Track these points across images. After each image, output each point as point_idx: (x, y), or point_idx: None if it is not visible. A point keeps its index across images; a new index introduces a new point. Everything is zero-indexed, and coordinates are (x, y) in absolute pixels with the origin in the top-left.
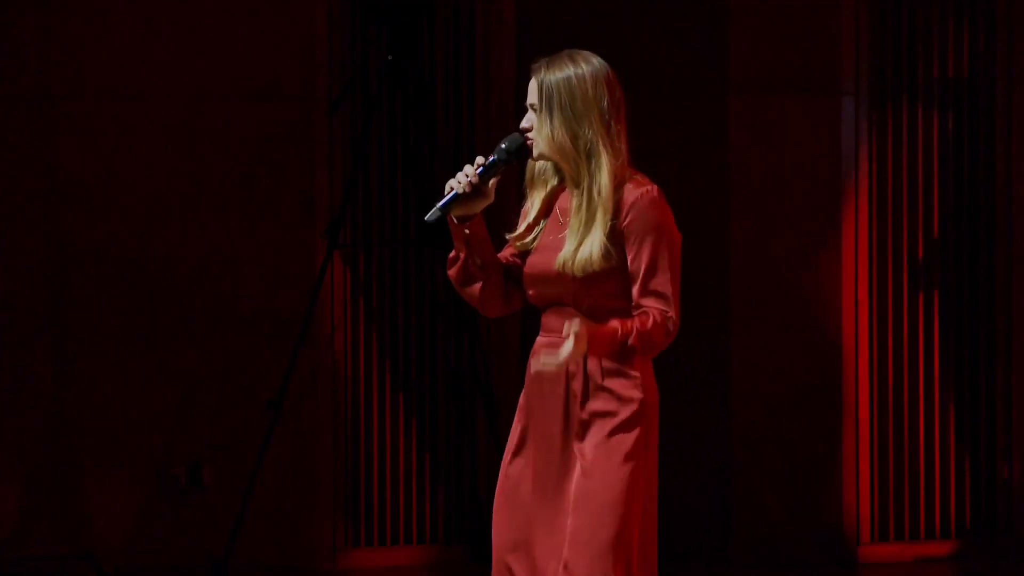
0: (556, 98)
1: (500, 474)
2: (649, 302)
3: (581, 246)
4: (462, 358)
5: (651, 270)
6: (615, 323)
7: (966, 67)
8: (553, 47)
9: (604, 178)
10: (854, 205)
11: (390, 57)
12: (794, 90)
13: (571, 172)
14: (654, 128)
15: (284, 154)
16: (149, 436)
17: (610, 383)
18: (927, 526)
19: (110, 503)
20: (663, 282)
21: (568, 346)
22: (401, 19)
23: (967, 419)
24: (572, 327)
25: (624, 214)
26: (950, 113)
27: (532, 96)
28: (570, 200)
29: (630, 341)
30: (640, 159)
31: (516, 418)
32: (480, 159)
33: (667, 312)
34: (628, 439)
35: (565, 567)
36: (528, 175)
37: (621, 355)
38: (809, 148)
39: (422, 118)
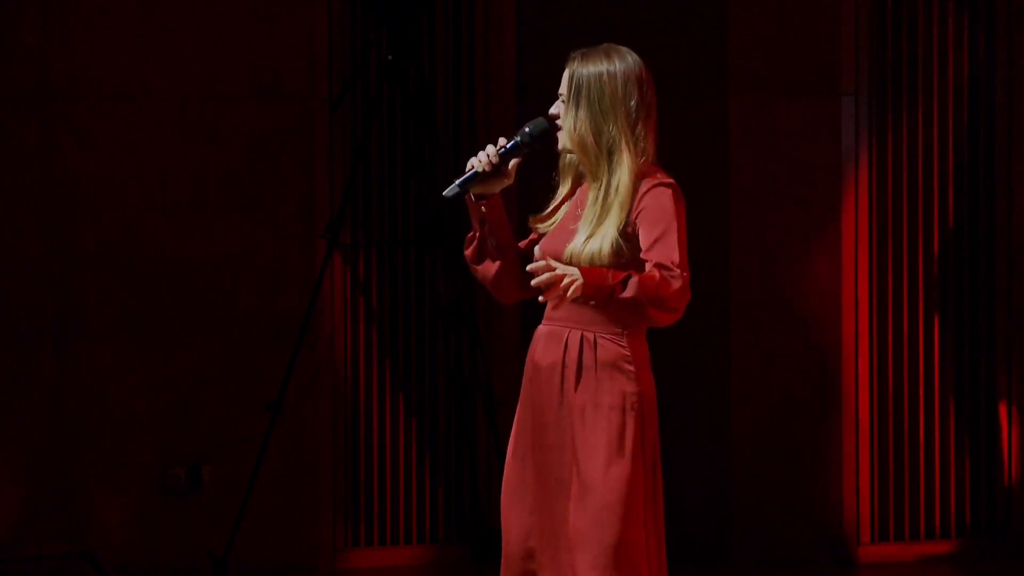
0: (584, 92)
1: (505, 466)
2: (653, 262)
3: (591, 239)
4: (462, 358)
5: (660, 245)
6: (608, 271)
7: (966, 67)
8: (553, 47)
9: (624, 176)
10: (854, 205)
11: (390, 57)
12: (794, 91)
13: (590, 167)
14: None
15: (284, 154)
16: (149, 436)
17: (605, 376)
18: (927, 526)
19: (110, 503)
20: (671, 254)
21: (565, 279)
22: (401, 19)
23: (967, 419)
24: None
25: (637, 202)
26: (950, 113)
27: (563, 85)
28: (587, 193)
29: (628, 289)
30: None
31: (518, 405)
32: (503, 140)
33: (672, 272)
34: (625, 437)
35: (572, 570)
36: (561, 163)
37: (613, 301)
38: (809, 148)
39: (422, 118)
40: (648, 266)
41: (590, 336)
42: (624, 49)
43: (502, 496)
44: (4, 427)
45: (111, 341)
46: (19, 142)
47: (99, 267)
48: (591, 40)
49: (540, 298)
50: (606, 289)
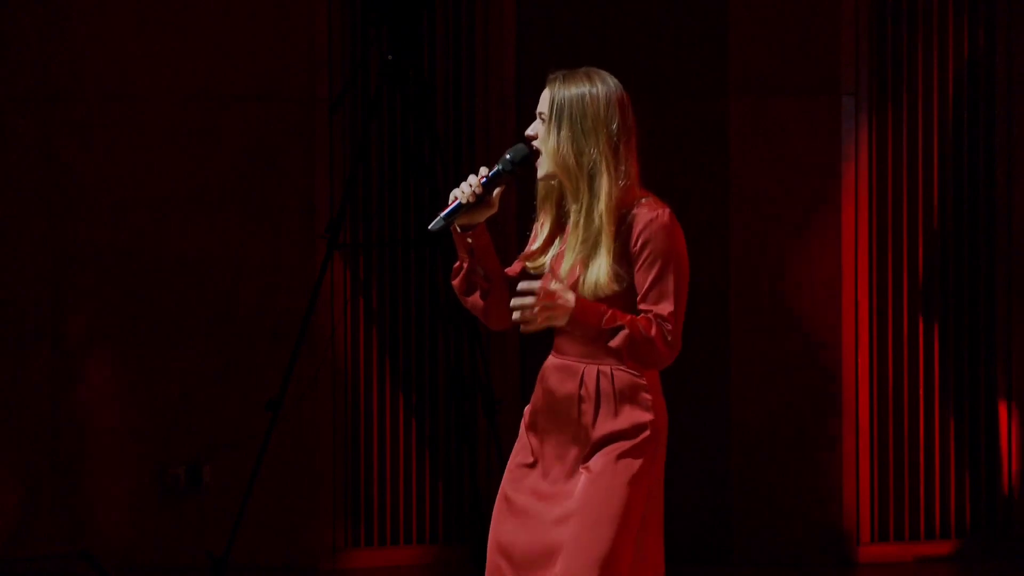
0: (567, 112)
1: (503, 480)
2: (651, 314)
3: (588, 270)
4: (462, 358)
5: (656, 292)
6: (607, 308)
7: (966, 67)
8: (553, 47)
9: (604, 200)
10: (854, 205)
11: (390, 57)
12: (794, 90)
13: (570, 188)
14: (654, 128)
15: (284, 154)
16: (149, 436)
17: (624, 408)
18: (927, 526)
19: (110, 503)
20: (667, 304)
21: (550, 301)
22: (401, 19)
23: (967, 419)
24: (562, 291)
25: (635, 237)
26: (950, 113)
27: (543, 105)
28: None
29: (616, 338)
30: (641, 160)
31: (522, 430)
32: (484, 169)
33: (666, 326)
34: (635, 460)
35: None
36: (540, 193)
37: (602, 337)
38: (809, 148)
39: (422, 118)
40: (643, 317)
41: (606, 369)
42: (604, 72)
43: (496, 505)
44: (4, 427)
45: (111, 341)
46: (19, 142)
47: (99, 267)
48: (591, 41)
49: (517, 321)
50: (593, 331)
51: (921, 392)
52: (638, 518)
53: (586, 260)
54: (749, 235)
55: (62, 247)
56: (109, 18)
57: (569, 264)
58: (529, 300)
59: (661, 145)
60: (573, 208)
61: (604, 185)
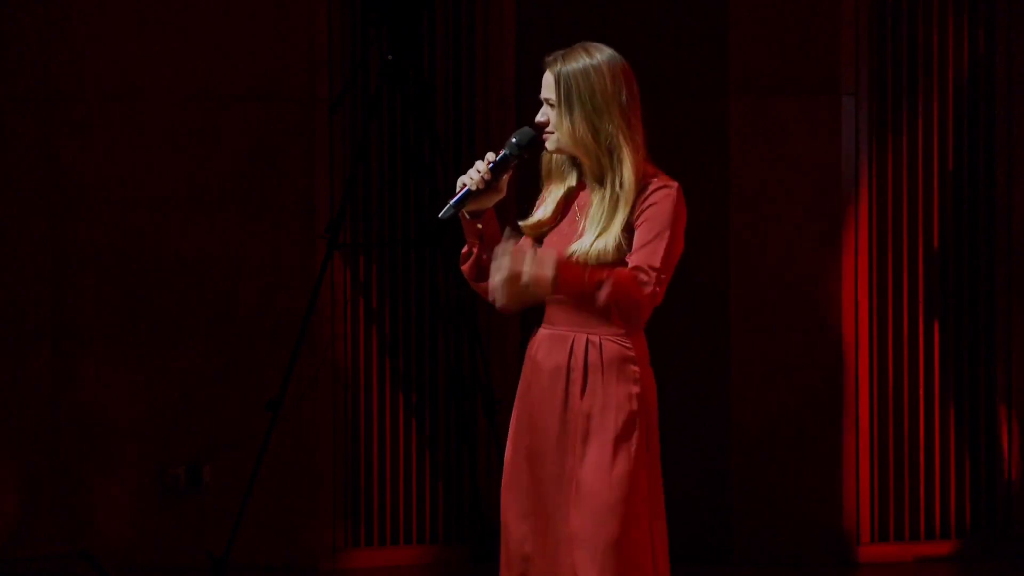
0: (575, 91)
1: (504, 468)
2: (633, 264)
3: (599, 238)
4: (462, 358)
5: (649, 249)
6: (585, 266)
7: (966, 67)
8: (553, 47)
9: (627, 172)
10: (854, 205)
11: (390, 57)
12: (794, 90)
13: (592, 167)
14: (654, 128)
15: (284, 154)
16: (149, 436)
17: (611, 379)
18: (927, 526)
19: (110, 503)
20: (654, 259)
21: (519, 269)
22: (401, 19)
23: (967, 419)
24: (533, 266)
25: (643, 201)
26: (950, 113)
27: (548, 90)
28: (589, 195)
29: (604, 290)
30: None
31: (515, 406)
32: (491, 155)
33: (649, 274)
34: (629, 438)
35: (572, 570)
36: (545, 168)
37: (589, 297)
38: (809, 148)
39: (422, 118)
40: (626, 269)
41: (595, 339)
42: (601, 45)
43: (501, 498)
44: (4, 427)
45: (111, 341)
46: (19, 142)
47: (99, 267)
48: (591, 39)
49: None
50: (576, 288)
51: (921, 392)
52: (643, 494)
53: (602, 231)
54: (749, 235)
55: (62, 247)
56: (109, 18)
57: (590, 240)
58: (499, 279)
59: (661, 145)
60: (596, 187)
61: (626, 158)
